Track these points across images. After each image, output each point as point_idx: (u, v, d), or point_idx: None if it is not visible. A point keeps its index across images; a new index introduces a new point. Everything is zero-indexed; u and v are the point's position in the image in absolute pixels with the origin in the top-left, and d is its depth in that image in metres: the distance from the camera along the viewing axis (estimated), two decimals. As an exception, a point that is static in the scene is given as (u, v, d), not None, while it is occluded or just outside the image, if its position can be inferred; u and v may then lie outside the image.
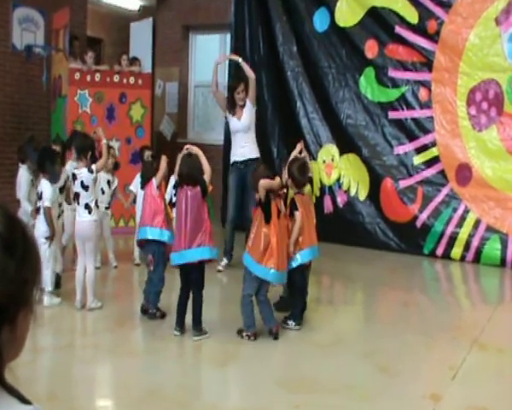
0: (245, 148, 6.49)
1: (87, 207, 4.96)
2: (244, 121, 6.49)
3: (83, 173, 4.95)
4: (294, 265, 4.67)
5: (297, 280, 4.75)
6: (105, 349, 4.32)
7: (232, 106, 6.58)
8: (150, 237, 4.81)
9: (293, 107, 8.48)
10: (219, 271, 6.38)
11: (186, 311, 4.51)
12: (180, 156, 4.57)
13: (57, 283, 5.38)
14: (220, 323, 4.86)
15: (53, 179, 5.11)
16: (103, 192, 6.36)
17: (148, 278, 4.95)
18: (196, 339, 4.42)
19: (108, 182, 6.41)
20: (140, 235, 4.95)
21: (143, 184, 5.02)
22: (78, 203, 4.95)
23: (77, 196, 4.96)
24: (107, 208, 6.44)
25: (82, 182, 4.93)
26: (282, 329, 4.66)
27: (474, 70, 7.30)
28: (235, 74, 8.40)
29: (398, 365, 4.14)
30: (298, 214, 4.63)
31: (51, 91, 8.76)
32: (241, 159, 6.51)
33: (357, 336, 4.84)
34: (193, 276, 4.41)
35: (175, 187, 6.57)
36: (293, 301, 4.81)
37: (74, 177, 4.97)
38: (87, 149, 4.96)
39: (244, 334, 4.45)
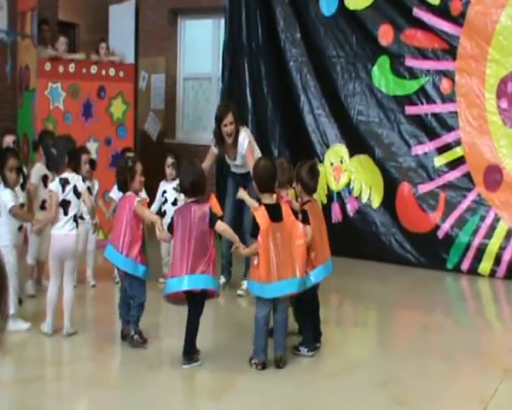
0: (243, 168, 6.42)
1: (75, 219, 4.96)
2: (238, 162, 6.39)
3: (74, 177, 4.97)
4: (308, 285, 4.65)
5: (307, 302, 4.75)
6: (82, 381, 4.29)
7: (220, 142, 6.31)
8: (122, 268, 4.83)
9: (297, 102, 8.48)
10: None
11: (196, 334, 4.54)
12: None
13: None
14: (215, 349, 4.86)
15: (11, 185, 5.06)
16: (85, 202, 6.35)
17: (122, 298, 4.92)
18: (186, 367, 4.43)
19: (88, 189, 6.38)
20: (109, 255, 4.83)
21: (121, 191, 4.95)
22: (66, 213, 4.92)
23: (66, 204, 4.92)
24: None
25: (75, 187, 4.94)
26: (295, 356, 4.67)
27: (506, 57, 7.29)
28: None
29: (417, 397, 4.12)
30: (309, 229, 4.63)
31: (17, 84, 8.74)
32: (239, 172, 6.49)
33: (370, 363, 4.82)
34: (194, 299, 4.48)
35: (163, 194, 6.62)
36: (304, 325, 4.81)
37: (65, 182, 4.92)
38: (76, 154, 5.03)
39: (252, 361, 4.48)
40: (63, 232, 4.92)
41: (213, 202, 4.55)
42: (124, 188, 4.89)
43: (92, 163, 6.48)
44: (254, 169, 4.63)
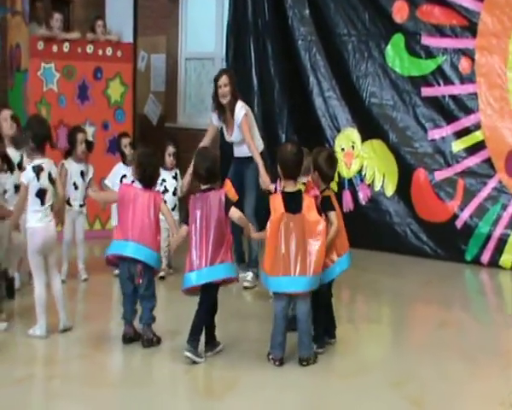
0: (242, 147, 6.55)
1: (52, 208, 4.88)
2: (235, 138, 6.56)
3: (47, 164, 4.87)
4: (334, 276, 4.73)
5: (322, 295, 4.74)
6: (77, 380, 4.27)
7: (219, 108, 6.50)
8: (156, 266, 4.89)
9: (306, 83, 8.46)
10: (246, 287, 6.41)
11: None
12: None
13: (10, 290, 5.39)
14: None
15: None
16: (76, 187, 6.30)
17: (128, 297, 4.85)
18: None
19: (82, 173, 6.34)
20: (133, 253, 4.73)
21: (145, 185, 4.86)
22: (43, 203, 4.83)
23: (43, 193, 4.83)
24: (81, 206, 6.38)
25: (50, 174, 4.85)
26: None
27: (531, 33, 7.26)
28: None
29: (434, 398, 4.10)
30: (334, 215, 4.66)
31: (7, 64, 8.71)
32: (238, 156, 6.64)
33: (385, 362, 4.81)
34: (210, 292, 4.58)
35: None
36: (316, 319, 4.80)
37: (40, 170, 4.83)
38: (45, 138, 4.89)
39: (270, 356, 4.52)
40: (42, 224, 4.83)
41: (228, 186, 4.71)
42: (150, 183, 4.89)
43: (89, 145, 6.43)
44: (279, 154, 4.63)
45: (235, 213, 4.55)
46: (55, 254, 4.97)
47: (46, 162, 4.89)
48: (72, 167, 6.28)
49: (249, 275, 6.46)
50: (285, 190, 4.51)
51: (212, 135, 6.73)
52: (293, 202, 4.44)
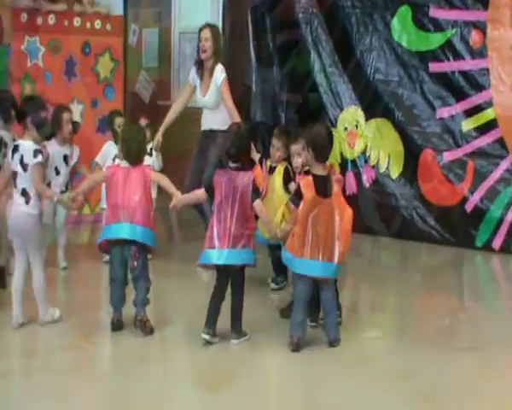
0: (212, 115, 6.63)
1: (24, 193, 4.73)
2: (208, 101, 6.62)
3: (24, 146, 4.74)
4: None
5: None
6: (65, 373, 4.24)
7: (199, 62, 6.62)
8: (153, 245, 4.93)
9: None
10: None
11: (219, 312, 4.68)
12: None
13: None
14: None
15: None
16: (58, 172, 6.18)
17: (117, 282, 4.83)
18: (236, 342, 4.67)
19: (65, 158, 6.24)
20: (128, 234, 4.72)
21: (132, 162, 4.86)
22: (15, 186, 4.76)
23: (14, 175, 4.75)
24: (63, 192, 6.28)
25: (22, 158, 4.72)
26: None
27: (548, 4, 7.23)
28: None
29: (442, 391, 4.08)
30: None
31: (-13, 38, 8.63)
32: (204, 128, 6.73)
33: (390, 353, 4.79)
34: (233, 276, 4.72)
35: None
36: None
37: (15, 149, 4.76)
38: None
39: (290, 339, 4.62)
40: (13, 208, 4.79)
41: (257, 172, 4.81)
42: (136, 159, 4.89)
43: (75, 125, 6.35)
44: (314, 135, 4.64)
45: (258, 205, 4.59)
46: (34, 244, 4.79)
47: (22, 144, 4.76)
48: (55, 151, 6.12)
49: None
50: (315, 173, 4.56)
51: (189, 95, 6.86)
52: (323, 186, 4.51)
